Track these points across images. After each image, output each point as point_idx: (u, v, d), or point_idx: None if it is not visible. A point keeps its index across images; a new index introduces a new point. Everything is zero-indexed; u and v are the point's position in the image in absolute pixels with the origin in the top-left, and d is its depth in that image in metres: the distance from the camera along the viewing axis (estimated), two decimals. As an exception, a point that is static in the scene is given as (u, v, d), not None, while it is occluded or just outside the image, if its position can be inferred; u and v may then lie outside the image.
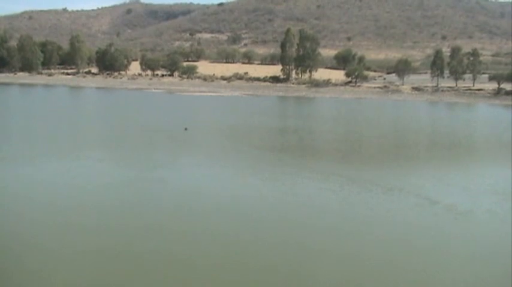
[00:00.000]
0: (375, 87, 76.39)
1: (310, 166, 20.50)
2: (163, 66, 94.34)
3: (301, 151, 24.62)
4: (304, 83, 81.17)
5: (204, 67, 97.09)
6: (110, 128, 30.71)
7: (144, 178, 17.42)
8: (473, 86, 71.24)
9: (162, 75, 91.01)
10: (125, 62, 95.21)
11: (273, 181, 17.74)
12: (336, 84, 79.56)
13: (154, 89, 74.64)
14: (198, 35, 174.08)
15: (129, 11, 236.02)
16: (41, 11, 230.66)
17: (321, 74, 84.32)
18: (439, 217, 13.92)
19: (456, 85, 72.10)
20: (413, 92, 72.25)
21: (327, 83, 79.62)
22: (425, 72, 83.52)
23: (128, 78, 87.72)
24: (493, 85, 68.46)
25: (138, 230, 12.39)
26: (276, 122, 37.51)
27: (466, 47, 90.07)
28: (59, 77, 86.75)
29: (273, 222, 13.31)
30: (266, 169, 19.64)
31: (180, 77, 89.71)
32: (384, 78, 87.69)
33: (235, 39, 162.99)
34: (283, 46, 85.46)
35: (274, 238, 12.10)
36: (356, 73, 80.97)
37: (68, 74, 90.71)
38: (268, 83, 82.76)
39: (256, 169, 19.61)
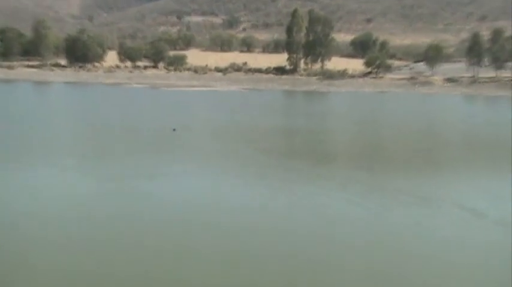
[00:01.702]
0: (400, 79, 76.74)
1: (324, 172, 20.62)
2: (145, 57, 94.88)
3: (313, 155, 24.76)
4: (315, 75, 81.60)
5: (194, 57, 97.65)
6: (85, 130, 30.89)
7: (126, 190, 17.48)
8: (519, 76, 71.51)
9: (145, 67, 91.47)
10: (100, 51, 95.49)
11: (281, 190, 17.85)
12: (353, 76, 79.94)
13: (136, 83, 75.06)
14: (187, 19, 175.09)
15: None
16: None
17: (335, 63, 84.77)
18: (490, 233, 13.87)
19: (497, 75, 72.34)
20: (445, 84, 72.54)
21: (342, 74, 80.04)
22: (460, 61, 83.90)
23: (104, 71, 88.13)
24: (543, 75, 68.65)
25: (120, 251, 12.35)
26: (282, 122, 37.52)
27: (510, 29, 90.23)
28: (22, 71, 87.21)
29: (281, 237, 13.35)
30: (272, 176, 19.77)
31: (166, 69, 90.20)
32: (411, 68, 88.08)
33: (231, 23, 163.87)
34: (289, 31, 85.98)
35: (284, 255, 12.07)
36: (377, 62, 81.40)
37: (31, 66, 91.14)
38: (271, 75, 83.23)
39: (260, 176, 19.74)
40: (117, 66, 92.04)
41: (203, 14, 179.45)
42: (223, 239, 13.25)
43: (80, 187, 17.79)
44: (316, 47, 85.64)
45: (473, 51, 76.45)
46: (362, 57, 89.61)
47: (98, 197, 16.64)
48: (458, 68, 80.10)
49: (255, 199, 16.96)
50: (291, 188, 18.07)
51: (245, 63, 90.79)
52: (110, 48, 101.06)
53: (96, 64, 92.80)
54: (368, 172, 21.01)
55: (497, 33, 78.37)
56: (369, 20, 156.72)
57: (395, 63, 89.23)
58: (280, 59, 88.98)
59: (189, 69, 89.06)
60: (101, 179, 18.68)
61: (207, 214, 15.21)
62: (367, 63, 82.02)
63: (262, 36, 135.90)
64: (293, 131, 33.47)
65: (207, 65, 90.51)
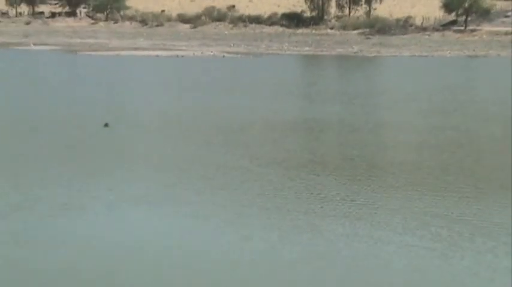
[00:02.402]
0: (505, 34, 76.94)
1: (375, 197, 20.48)
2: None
3: (353, 167, 24.79)
4: (355, 28, 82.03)
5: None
6: None
7: (33, 231, 17.58)
8: None
9: (53, 15, 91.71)
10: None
11: (302, 233, 17.71)
12: (423, 28, 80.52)
13: (37, 44, 75.12)
14: None
15: None
16: None
17: (391, 7, 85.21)
18: None
19: None
20: None
21: (404, 25, 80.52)
22: None
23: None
24: None
25: None
26: (299, 111, 38.01)
27: None
28: None
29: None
30: (285, 208, 19.62)
31: (91, 18, 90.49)
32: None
33: None
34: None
35: None
36: (466, 4, 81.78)
37: None
38: (279, 29, 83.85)
39: (263, 209, 19.55)
40: (3, 14, 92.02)
41: None
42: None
43: None
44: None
45: None
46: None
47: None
48: None
49: (254, 250, 16.86)
50: (317, 228, 17.99)
51: (232, 8, 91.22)
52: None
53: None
54: (451, 194, 20.93)
55: None
56: None
57: (498, 4, 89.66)
58: (294, 0, 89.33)
59: (132, 18, 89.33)
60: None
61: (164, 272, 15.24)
62: (448, 7, 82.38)
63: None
64: (318, 126, 33.41)
65: (163, 12, 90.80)
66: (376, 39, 78.20)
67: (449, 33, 79.08)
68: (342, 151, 28.25)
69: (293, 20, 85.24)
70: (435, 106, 40.14)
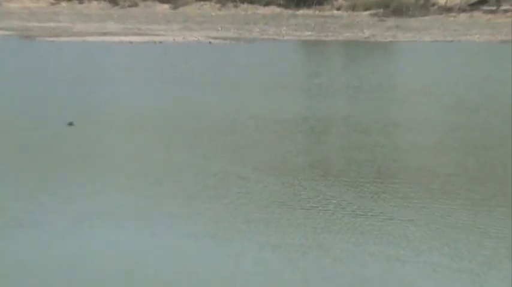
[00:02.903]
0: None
1: (388, 208, 20.52)
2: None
3: (361, 173, 24.92)
4: (366, 8, 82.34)
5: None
6: None
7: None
8: None
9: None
10: None
11: (304, 250, 17.70)
12: (447, 9, 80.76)
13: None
14: None
15: None
16: None
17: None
18: None
19: None
20: None
21: (424, 5, 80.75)
22: None
23: None
24: None
25: None
26: (299, 108, 38.37)
27: None
28: None
29: None
30: (283, 220, 19.72)
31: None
32: None
33: None
34: None
35: None
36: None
37: None
38: (276, 10, 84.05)
39: (257, 222, 19.65)
40: None
41: None
42: None
43: None
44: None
45: None
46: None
47: None
48: None
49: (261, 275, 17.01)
50: (321, 244, 18.13)
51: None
52: None
53: None
54: (481, 208, 21.07)
55: None
56: None
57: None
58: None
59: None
60: None
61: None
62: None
63: None
64: (321, 126, 33.64)
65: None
66: (391, 21, 78.47)
67: (478, 14, 79.30)
68: (348, 154, 28.37)
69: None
70: (459, 101, 40.35)
